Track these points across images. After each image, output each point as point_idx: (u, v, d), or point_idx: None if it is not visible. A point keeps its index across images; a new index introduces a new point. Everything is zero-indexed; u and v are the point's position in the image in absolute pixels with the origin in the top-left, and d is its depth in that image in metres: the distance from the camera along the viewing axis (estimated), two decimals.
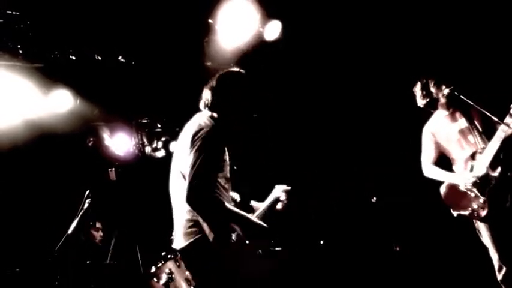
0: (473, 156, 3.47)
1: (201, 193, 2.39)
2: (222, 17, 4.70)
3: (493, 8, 4.63)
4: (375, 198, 5.52)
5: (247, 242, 2.60)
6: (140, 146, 6.21)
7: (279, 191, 3.19)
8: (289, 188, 3.22)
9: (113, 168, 5.69)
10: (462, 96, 3.47)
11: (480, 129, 3.52)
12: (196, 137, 2.51)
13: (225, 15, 4.69)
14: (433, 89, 3.68)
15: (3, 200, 5.37)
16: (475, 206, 3.39)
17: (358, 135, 5.91)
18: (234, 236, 2.57)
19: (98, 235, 5.39)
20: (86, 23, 4.55)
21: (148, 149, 6.23)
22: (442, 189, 3.62)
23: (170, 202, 2.74)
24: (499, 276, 3.44)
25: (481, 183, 3.37)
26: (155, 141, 6.25)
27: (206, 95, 2.79)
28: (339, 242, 5.76)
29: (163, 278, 4.61)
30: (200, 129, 2.54)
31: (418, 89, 3.78)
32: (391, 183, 5.59)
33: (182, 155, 2.60)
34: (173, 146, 6.08)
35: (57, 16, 4.42)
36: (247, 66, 4.72)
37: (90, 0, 4.37)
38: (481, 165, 3.37)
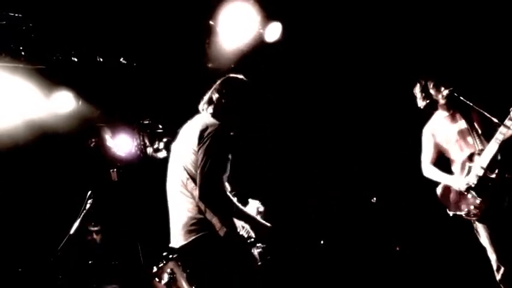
0: (471, 158, 3.48)
1: (216, 191, 2.45)
2: (222, 18, 4.73)
3: (492, 9, 4.65)
4: (375, 199, 5.54)
5: (252, 239, 2.64)
6: (142, 147, 6.23)
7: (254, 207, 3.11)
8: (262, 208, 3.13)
9: (115, 169, 5.71)
10: (461, 97, 3.48)
11: (479, 131, 3.53)
12: (205, 134, 2.54)
13: (226, 16, 4.71)
14: (432, 91, 3.69)
15: (5, 201, 5.39)
16: (471, 206, 3.41)
17: (358, 135, 5.92)
18: (243, 232, 2.61)
19: (98, 237, 5.42)
20: (88, 24, 4.57)
21: (149, 150, 6.25)
22: (438, 190, 3.65)
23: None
24: (498, 276, 3.46)
25: (478, 185, 3.39)
26: (157, 142, 6.26)
27: (210, 97, 2.83)
28: (339, 242, 5.77)
29: (165, 277, 4.63)
30: (207, 127, 2.57)
31: (417, 91, 3.79)
32: (391, 183, 5.61)
33: (186, 152, 2.61)
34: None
35: (59, 18, 4.42)
36: (248, 68, 4.78)
37: (92, 2, 4.39)
38: (479, 167, 3.39)
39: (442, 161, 3.77)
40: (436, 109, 3.78)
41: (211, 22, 4.80)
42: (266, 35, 4.93)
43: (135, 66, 5.12)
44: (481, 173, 3.38)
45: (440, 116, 3.75)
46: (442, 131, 3.71)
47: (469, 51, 4.83)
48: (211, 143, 2.50)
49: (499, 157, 3.34)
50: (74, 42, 4.73)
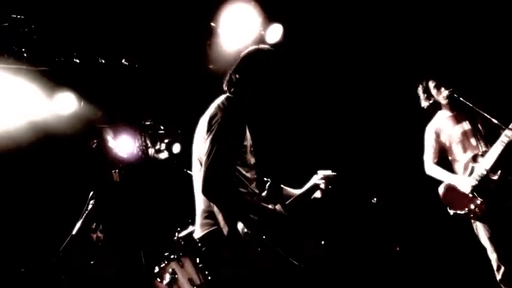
0: (474, 159, 3.51)
1: (217, 184, 2.22)
2: (224, 20, 4.76)
3: (492, 9, 4.66)
4: (375, 199, 5.54)
5: (263, 237, 2.32)
6: (143, 147, 6.25)
7: (319, 177, 2.85)
8: (333, 174, 2.87)
9: (117, 170, 5.72)
10: (461, 99, 3.50)
11: (483, 133, 3.56)
12: (213, 122, 2.34)
13: (227, 18, 4.74)
14: (433, 92, 3.73)
15: (8, 201, 5.41)
16: (472, 206, 3.43)
17: (358, 135, 5.93)
18: (245, 230, 2.32)
19: (99, 237, 5.43)
20: (90, 26, 4.59)
21: (151, 151, 6.27)
22: (440, 189, 3.66)
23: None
24: (498, 276, 3.49)
25: (480, 186, 3.41)
26: (158, 143, 6.28)
27: (229, 74, 2.62)
28: (339, 242, 5.77)
29: (167, 278, 4.66)
30: (216, 113, 2.37)
31: (420, 92, 3.82)
32: (392, 184, 5.61)
33: (199, 141, 2.47)
34: (177, 147, 6.13)
35: (61, 19, 4.45)
36: None
37: (94, 3, 4.41)
38: (482, 168, 3.42)
39: (443, 161, 3.79)
40: (440, 109, 3.81)
41: (212, 24, 4.83)
42: (267, 37, 4.95)
43: (136, 68, 5.14)
44: (484, 174, 3.40)
45: (444, 115, 3.78)
46: (445, 130, 3.73)
47: (470, 51, 4.83)
48: (217, 131, 2.29)
49: (502, 159, 3.36)
50: (76, 44, 4.75)
